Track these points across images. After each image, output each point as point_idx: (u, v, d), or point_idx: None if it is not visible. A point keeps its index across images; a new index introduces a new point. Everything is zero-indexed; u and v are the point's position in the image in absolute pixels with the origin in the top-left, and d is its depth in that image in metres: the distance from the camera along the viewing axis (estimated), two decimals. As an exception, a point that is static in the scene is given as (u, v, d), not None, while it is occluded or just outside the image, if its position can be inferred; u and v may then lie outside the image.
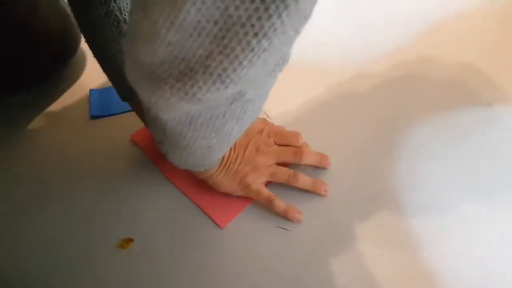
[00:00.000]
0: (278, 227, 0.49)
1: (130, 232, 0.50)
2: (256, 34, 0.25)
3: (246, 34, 0.25)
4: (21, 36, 0.62)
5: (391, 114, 0.59)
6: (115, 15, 0.47)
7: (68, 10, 0.69)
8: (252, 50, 0.26)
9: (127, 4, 0.48)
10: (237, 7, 0.24)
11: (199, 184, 0.52)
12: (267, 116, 0.59)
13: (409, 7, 0.73)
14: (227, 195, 0.51)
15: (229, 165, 0.50)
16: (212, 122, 0.36)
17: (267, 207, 0.50)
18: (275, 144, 0.53)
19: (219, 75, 0.28)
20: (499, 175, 0.51)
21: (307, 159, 0.52)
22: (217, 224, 0.50)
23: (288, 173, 0.51)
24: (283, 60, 0.33)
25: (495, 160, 0.53)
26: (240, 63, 0.27)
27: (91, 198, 0.54)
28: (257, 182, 0.50)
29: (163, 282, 0.47)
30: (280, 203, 0.49)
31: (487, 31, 0.69)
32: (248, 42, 0.26)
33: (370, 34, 0.70)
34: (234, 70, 0.28)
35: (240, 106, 0.35)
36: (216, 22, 0.25)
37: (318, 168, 0.54)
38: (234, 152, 0.50)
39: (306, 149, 0.53)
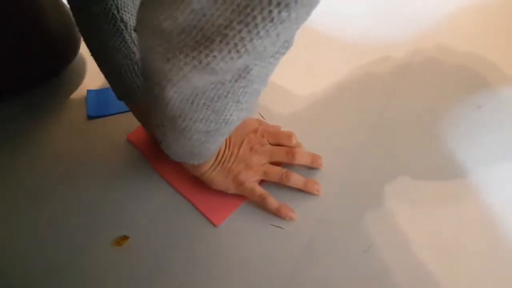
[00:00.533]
0: (271, 225, 0.50)
1: (126, 230, 0.51)
2: (278, 4, 0.27)
3: (270, 3, 0.27)
4: (24, 37, 0.63)
5: (383, 112, 0.60)
6: (112, 13, 0.48)
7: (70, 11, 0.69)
8: (272, 20, 0.28)
9: (124, 3, 0.48)
10: None
11: (194, 183, 0.53)
12: (261, 116, 0.60)
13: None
14: (222, 193, 0.52)
15: (223, 162, 0.51)
16: (213, 104, 0.37)
17: (260, 205, 0.51)
18: (269, 143, 0.54)
19: (235, 45, 0.29)
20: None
21: (300, 159, 0.53)
22: (211, 222, 0.51)
23: (281, 172, 0.52)
24: (288, 43, 0.34)
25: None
26: (258, 32, 0.28)
27: (87, 196, 0.55)
28: (250, 180, 0.51)
29: (158, 279, 0.47)
30: (273, 201, 0.50)
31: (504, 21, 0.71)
32: (270, 12, 0.27)
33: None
34: (251, 40, 0.29)
35: (242, 87, 0.36)
36: None
37: (311, 168, 0.55)
38: (229, 150, 0.51)
39: (299, 149, 0.54)
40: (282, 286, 0.46)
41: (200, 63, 0.31)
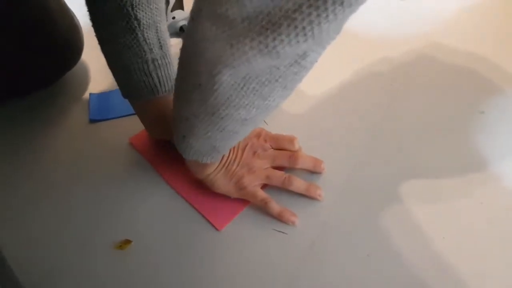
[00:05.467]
0: (274, 229, 0.50)
1: (129, 234, 0.51)
2: None
3: None
4: (30, 40, 0.63)
5: (384, 116, 0.60)
6: (127, 9, 0.48)
7: (75, 16, 0.70)
8: (342, 3, 0.28)
9: (139, 1, 0.48)
10: None
11: (197, 187, 0.53)
12: (265, 122, 0.61)
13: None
14: (225, 197, 0.52)
15: (227, 165, 0.51)
16: (262, 88, 0.37)
17: (262, 209, 0.51)
18: (271, 148, 0.54)
19: (303, 28, 0.29)
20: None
21: (302, 164, 0.54)
22: (214, 227, 0.51)
23: (283, 176, 0.52)
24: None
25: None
26: (327, 16, 0.29)
27: (90, 199, 0.55)
28: (252, 185, 0.51)
29: (161, 283, 0.47)
30: (275, 205, 0.50)
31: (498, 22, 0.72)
32: None
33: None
34: (319, 24, 0.29)
35: (294, 72, 0.36)
36: None
37: (313, 172, 0.55)
38: (233, 154, 0.52)
39: (301, 154, 0.54)
40: (285, 290, 0.46)
41: (267, 47, 0.31)
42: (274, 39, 0.30)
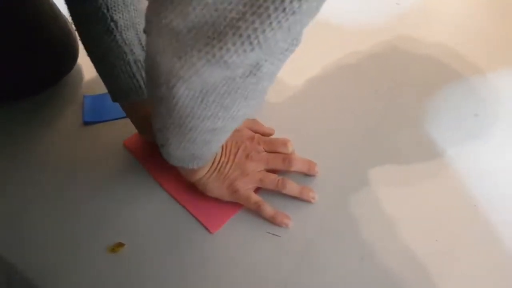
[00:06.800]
0: (268, 232, 0.50)
1: (122, 237, 0.51)
2: None
3: None
4: (26, 44, 0.63)
5: (379, 119, 0.60)
6: (102, 11, 0.48)
7: (68, 21, 0.70)
8: (284, 10, 0.29)
9: (115, 2, 0.48)
10: None
11: (190, 190, 0.53)
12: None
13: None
14: (218, 200, 0.52)
15: (219, 168, 0.51)
16: (223, 100, 0.37)
17: (256, 212, 0.51)
18: (265, 151, 0.54)
19: (249, 36, 0.30)
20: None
21: (296, 166, 0.53)
22: (207, 229, 0.51)
23: (276, 179, 0.52)
24: (297, 40, 0.35)
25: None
26: (271, 23, 0.29)
27: (83, 202, 0.55)
28: (245, 188, 0.51)
29: (154, 286, 0.47)
30: (268, 208, 0.50)
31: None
32: (282, 1, 0.28)
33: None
34: (263, 31, 0.30)
35: (252, 83, 0.37)
36: None
37: (307, 175, 0.55)
38: (225, 156, 0.51)
39: (294, 157, 0.54)
40: (278, 293, 0.46)
41: (214, 56, 0.31)
42: (221, 48, 0.31)
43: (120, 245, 0.50)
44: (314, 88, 0.65)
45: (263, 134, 0.57)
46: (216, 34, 0.30)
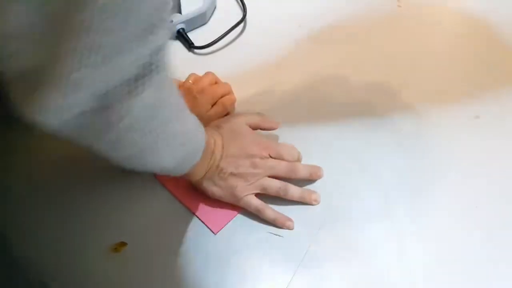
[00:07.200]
0: (270, 233, 0.50)
1: (124, 236, 0.51)
2: None
3: None
4: None
5: (382, 118, 0.61)
6: None
7: None
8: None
9: None
10: None
11: (192, 189, 0.53)
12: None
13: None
14: (220, 201, 0.52)
15: (219, 173, 0.50)
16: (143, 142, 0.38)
17: (258, 216, 0.51)
18: (270, 157, 0.52)
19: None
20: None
21: (300, 174, 0.53)
22: (210, 229, 0.51)
23: (278, 186, 0.51)
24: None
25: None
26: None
27: (84, 201, 0.55)
28: (246, 193, 0.50)
29: (155, 286, 0.47)
30: (270, 212, 0.50)
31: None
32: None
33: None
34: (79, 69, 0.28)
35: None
36: None
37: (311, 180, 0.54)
38: (228, 162, 0.50)
39: (299, 164, 0.53)
40: (281, 293, 0.46)
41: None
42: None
43: (122, 244, 0.50)
44: (314, 88, 0.65)
45: (269, 129, 0.56)
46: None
